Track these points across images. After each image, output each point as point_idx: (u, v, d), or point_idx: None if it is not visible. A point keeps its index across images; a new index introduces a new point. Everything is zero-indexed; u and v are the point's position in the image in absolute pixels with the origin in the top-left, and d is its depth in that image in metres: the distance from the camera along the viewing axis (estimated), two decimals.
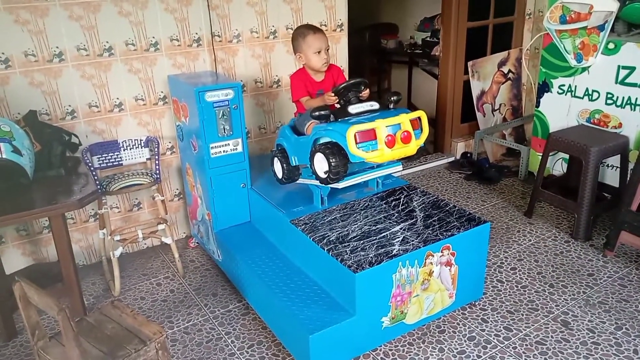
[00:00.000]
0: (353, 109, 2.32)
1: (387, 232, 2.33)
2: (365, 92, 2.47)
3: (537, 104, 3.60)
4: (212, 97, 2.56)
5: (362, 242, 2.26)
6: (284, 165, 2.60)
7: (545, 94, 3.54)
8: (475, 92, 4.17)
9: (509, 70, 4.29)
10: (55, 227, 2.36)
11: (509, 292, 2.67)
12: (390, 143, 2.19)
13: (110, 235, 2.69)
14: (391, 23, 5.66)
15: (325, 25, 3.33)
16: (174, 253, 2.82)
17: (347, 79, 2.69)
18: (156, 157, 2.83)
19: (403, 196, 2.64)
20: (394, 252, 2.18)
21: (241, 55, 3.11)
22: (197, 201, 2.94)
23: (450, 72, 4.11)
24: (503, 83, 4.30)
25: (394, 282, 2.17)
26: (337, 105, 2.40)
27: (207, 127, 2.59)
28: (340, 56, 3.47)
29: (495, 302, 2.60)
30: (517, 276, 2.79)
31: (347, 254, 2.17)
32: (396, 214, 2.49)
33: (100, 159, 2.81)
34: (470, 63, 4.11)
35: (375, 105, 2.36)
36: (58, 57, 2.63)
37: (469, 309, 2.55)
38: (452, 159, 4.32)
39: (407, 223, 2.40)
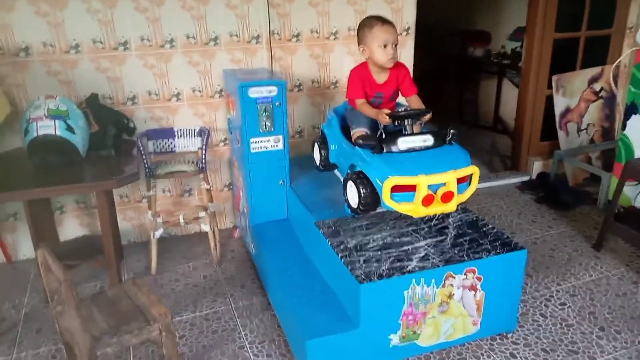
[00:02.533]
0: (403, 143, 2.14)
1: (410, 247, 2.21)
2: (426, 117, 2.26)
3: (623, 127, 3.23)
4: (255, 93, 2.59)
5: (379, 252, 2.17)
6: (322, 152, 2.55)
7: (632, 116, 3.17)
8: (558, 109, 3.84)
9: (602, 88, 3.90)
10: (98, 203, 2.52)
11: (551, 329, 2.42)
12: (428, 201, 2.03)
13: (153, 216, 2.82)
14: (484, 30, 5.38)
15: None
16: (210, 241, 2.89)
17: (413, 83, 2.51)
18: (204, 147, 2.92)
19: None
20: (409, 267, 2.06)
21: (300, 54, 3.12)
22: (240, 193, 2.99)
23: (532, 85, 3.81)
24: (593, 101, 3.91)
25: (405, 299, 2.05)
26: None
27: (248, 122, 2.63)
28: (405, 61, 3.34)
29: (530, 337, 2.36)
30: (564, 313, 2.52)
31: (359, 263, 2.09)
32: (426, 228, 2.35)
33: (155, 144, 2.95)
34: (555, 77, 3.79)
35: (429, 140, 2.15)
36: (123, 46, 2.81)
37: (499, 340, 2.34)
38: (527, 178, 4.01)
39: (434, 239, 2.26)
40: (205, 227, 2.87)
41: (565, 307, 2.57)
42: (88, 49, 2.76)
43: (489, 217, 3.45)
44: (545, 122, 4.00)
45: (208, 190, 2.98)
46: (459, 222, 2.39)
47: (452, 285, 2.11)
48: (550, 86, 3.82)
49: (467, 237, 2.27)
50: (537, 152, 4.03)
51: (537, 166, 3.99)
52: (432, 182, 2.02)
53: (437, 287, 2.09)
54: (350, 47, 3.20)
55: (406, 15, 3.25)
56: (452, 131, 2.20)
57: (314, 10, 3.06)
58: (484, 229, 2.33)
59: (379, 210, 2.25)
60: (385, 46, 2.28)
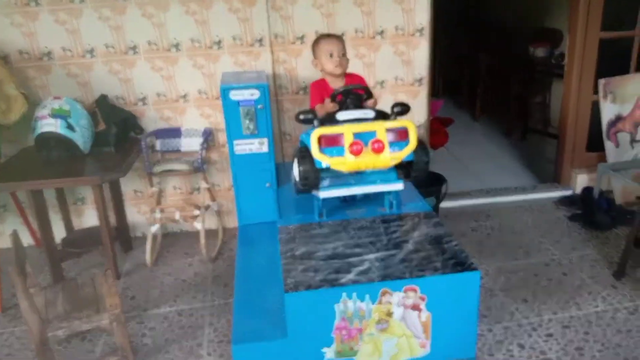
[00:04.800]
0: (342, 115, 2.19)
1: (357, 259, 2.12)
2: (370, 102, 2.32)
3: None
4: (237, 96, 2.62)
5: (323, 262, 2.11)
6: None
7: None
8: (606, 117, 3.44)
9: None
10: (94, 196, 2.74)
11: None
12: (357, 151, 2.04)
13: (151, 211, 2.98)
14: (554, 29, 4.93)
15: (401, 30, 3.11)
16: (201, 239, 2.99)
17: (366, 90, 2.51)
18: (203, 147, 3.02)
19: (410, 223, 2.36)
20: (342, 280, 1.98)
21: (304, 56, 3.11)
22: None
23: (574, 90, 3.44)
24: None
25: (337, 312, 1.98)
26: None
27: (231, 124, 2.67)
28: (419, 62, 3.20)
29: None
30: (547, 345, 2.27)
31: (296, 271, 2.05)
32: (385, 241, 2.24)
33: (163, 142, 3.12)
34: (602, 81, 3.39)
35: (369, 113, 2.20)
36: (132, 50, 3.00)
37: None
38: (570, 192, 3.63)
39: (387, 253, 2.15)
40: (198, 225, 2.98)
41: (551, 339, 2.31)
42: (101, 53, 2.99)
43: (506, 234, 3.19)
44: (595, 131, 3.59)
45: (208, 189, 3.09)
46: (422, 237, 2.24)
47: (389, 302, 1.99)
48: (596, 91, 3.42)
49: (421, 252, 2.13)
50: (583, 163, 3.63)
51: (581, 180, 3.60)
52: (357, 130, 2.07)
53: (372, 303, 1.98)
54: (358, 49, 3.13)
55: (419, 16, 3.09)
56: (396, 109, 2.21)
57: (318, 12, 3.03)
58: (443, 246, 2.16)
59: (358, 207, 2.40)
60: (331, 55, 2.47)
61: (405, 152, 2.10)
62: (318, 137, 2.08)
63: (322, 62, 2.51)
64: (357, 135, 2.07)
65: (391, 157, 2.08)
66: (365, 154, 2.06)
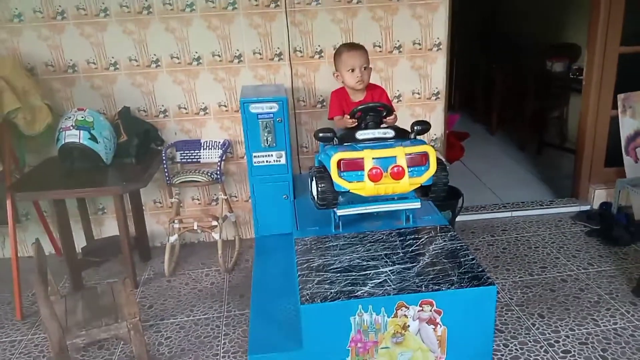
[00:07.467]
0: (361, 134, 2.20)
1: (372, 271, 2.13)
2: (390, 119, 2.33)
3: None
4: (256, 109, 2.69)
5: (339, 274, 2.12)
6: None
7: None
8: (625, 132, 3.42)
9: None
10: (115, 206, 2.79)
11: None
12: (376, 177, 2.04)
13: (170, 222, 3.02)
14: (573, 44, 4.93)
15: (419, 44, 3.14)
16: (218, 249, 3.02)
17: (390, 104, 2.54)
18: (221, 158, 3.06)
19: (425, 237, 2.37)
20: (358, 293, 1.99)
21: (322, 70, 3.15)
22: None
23: (593, 105, 3.43)
24: None
25: (352, 325, 1.99)
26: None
27: (250, 137, 2.73)
28: (436, 77, 3.22)
29: None
30: None
31: (312, 283, 2.07)
32: (401, 254, 2.25)
33: (183, 154, 3.18)
34: (621, 96, 3.38)
35: (389, 132, 2.21)
36: (155, 63, 3.07)
37: None
38: (588, 207, 3.60)
39: (402, 266, 2.16)
40: (215, 236, 3.01)
41: (568, 355, 2.29)
42: (125, 66, 3.06)
43: (523, 248, 3.17)
44: (614, 146, 3.57)
45: (226, 200, 3.13)
46: (438, 250, 2.25)
47: (405, 315, 2.00)
48: (615, 106, 3.41)
49: (437, 266, 2.13)
50: (601, 179, 3.61)
51: (599, 195, 3.57)
52: (377, 155, 2.05)
53: (388, 317, 1.99)
54: (376, 63, 3.16)
55: (436, 31, 3.12)
56: (416, 128, 2.20)
57: (337, 27, 3.08)
58: (460, 260, 2.16)
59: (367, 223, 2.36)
60: (352, 70, 2.46)
61: (425, 177, 2.10)
62: (337, 161, 2.08)
63: (343, 75, 2.52)
64: (376, 159, 2.07)
65: (410, 182, 2.07)
66: (384, 180, 2.05)
